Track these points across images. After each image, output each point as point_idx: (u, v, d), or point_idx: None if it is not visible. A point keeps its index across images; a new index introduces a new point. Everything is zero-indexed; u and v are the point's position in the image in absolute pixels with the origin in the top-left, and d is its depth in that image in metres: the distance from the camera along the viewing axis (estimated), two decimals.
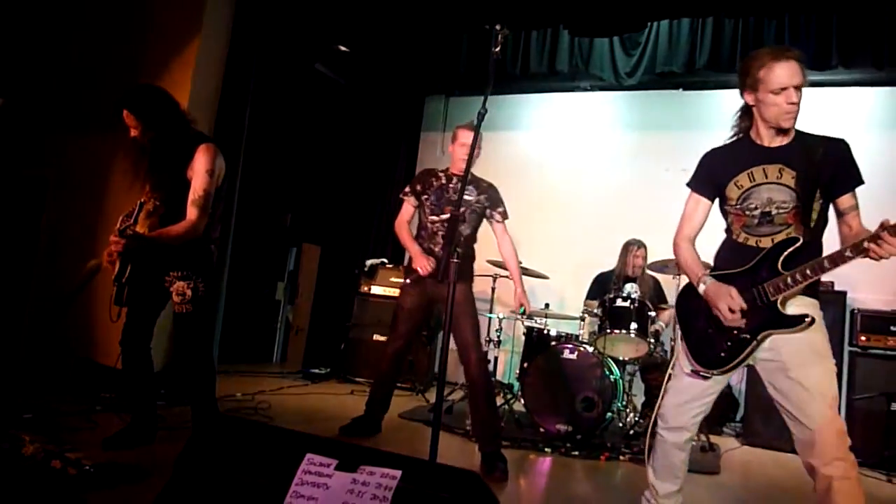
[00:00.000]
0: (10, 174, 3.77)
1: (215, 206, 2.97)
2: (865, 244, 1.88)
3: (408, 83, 6.34)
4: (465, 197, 3.50)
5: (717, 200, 2.33)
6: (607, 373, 4.12)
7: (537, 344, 4.52)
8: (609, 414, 4.12)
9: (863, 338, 4.53)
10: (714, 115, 5.27)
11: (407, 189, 3.75)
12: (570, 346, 4.23)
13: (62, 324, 4.24)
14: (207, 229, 2.95)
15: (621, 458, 3.84)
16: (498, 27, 2.31)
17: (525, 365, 4.41)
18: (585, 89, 6.07)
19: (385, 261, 5.92)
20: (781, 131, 2.17)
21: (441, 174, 3.66)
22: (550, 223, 6.21)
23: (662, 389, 2.37)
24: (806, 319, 2.03)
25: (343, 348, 5.79)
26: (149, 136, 2.84)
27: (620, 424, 4.35)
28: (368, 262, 5.86)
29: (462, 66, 5.78)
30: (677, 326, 2.37)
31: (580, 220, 6.16)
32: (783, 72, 2.07)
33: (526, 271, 4.81)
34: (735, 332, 2.13)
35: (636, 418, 4.41)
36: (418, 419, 4.36)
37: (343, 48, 6.15)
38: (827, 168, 2.10)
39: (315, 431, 3.65)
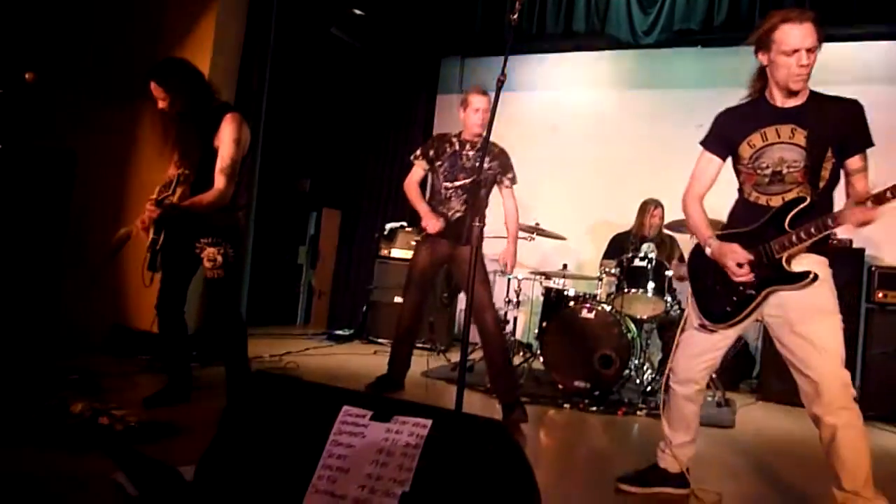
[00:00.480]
0: (39, 147, 3.88)
1: (241, 175, 3.08)
2: (884, 195, 1.94)
3: (423, 45, 6.34)
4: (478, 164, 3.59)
5: (729, 159, 2.38)
6: (625, 331, 4.21)
7: (556, 304, 4.61)
8: (626, 371, 4.22)
9: (880, 294, 4.56)
10: (733, 71, 5.18)
11: (418, 152, 3.81)
12: (587, 305, 4.32)
13: (95, 290, 4.40)
14: (234, 197, 3.06)
15: (638, 413, 3.95)
16: None
17: (544, 324, 4.51)
18: (601, 48, 6.00)
19: (405, 224, 6.00)
20: (793, 92, 2.20)
21: (454, 140, 3.71)
22: (567, 184, 6.25)
23: (674, 344, 2.45)
24: (809, 276, 2.09)
25: (365, 310, 5.93)
26: (176, 108, 2.91)
27: (638, 381, 4.46)
28: (388, 226, 5.95)
29: (478, 26, 5.76)
30: (688, 283, 2.44)
31: (597, 181, 6.18)
32: (795, 33, 2.09)
33: (543, 232, 4.89)
34: (741, 288, 2.21)
35: (653, 375, 4.52)
36: (441, 377, 4.50)
37: (358, 11, 6.16)
38: (839, 128, 2.14)
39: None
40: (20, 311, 3.65)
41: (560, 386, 4.25)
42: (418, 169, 3.80)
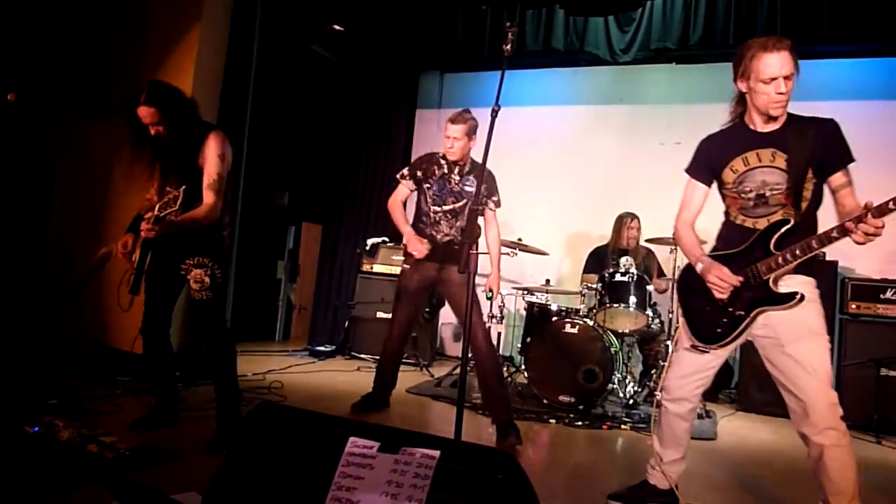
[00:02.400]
0: (19, 164, 3.83)
1: (225, 192, 3.05)
2: (847, 225, 1.98)
3: (402, 60, 6.36)
4: (466, 188, 3.66)
5: (715, 184, 2.44)
6: (607, 345, 4.26)
7: (539, 319, 4.65)
8: (610, 385, 4.27)
9: (853, 305, 4.68)
10: (708, 88, 5.34)
11: (405, 172, 3.81)
12: (570, 320, 4.37)
13: (74, 310, 4.33)
14: (220, 214, 3.03)
15: (622, 426, 3.99)
16: (508, 24, 2.36)
17: (528, 340, 4.55)
18: (580, 65, 6.10)
19: (386, 239, 6.01)
20: (772, 117, 2.27)
21: (442, 162, 3.70)
22: (547, 198, 6.31)
23: (666, 362, 2.50)
24: (796, 297, 2.15)
25: (347, 326, 5.91)
26: (170, 131, 2.89)
27: (621, 395, 4.51)
28: (370, 242, 5.95)
29: (458, 42, 5.82)
30: (678, 303, 2.49)
31: (576, 196, 6.26)
32: (773, 62, 2.16)
33: (526, 248, 4.93)
34: (731, 309, 2.26)
35: (635, 388, 4.58)
36: (425, 393, 4.51)
37: (338, 27, 6.17)
38: (817, 148, 2.20)
39: (328, 408, 3.79)
40: None
41: (545, 401, 4.29)
42: (404, 188, 3.80)
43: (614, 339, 4.43)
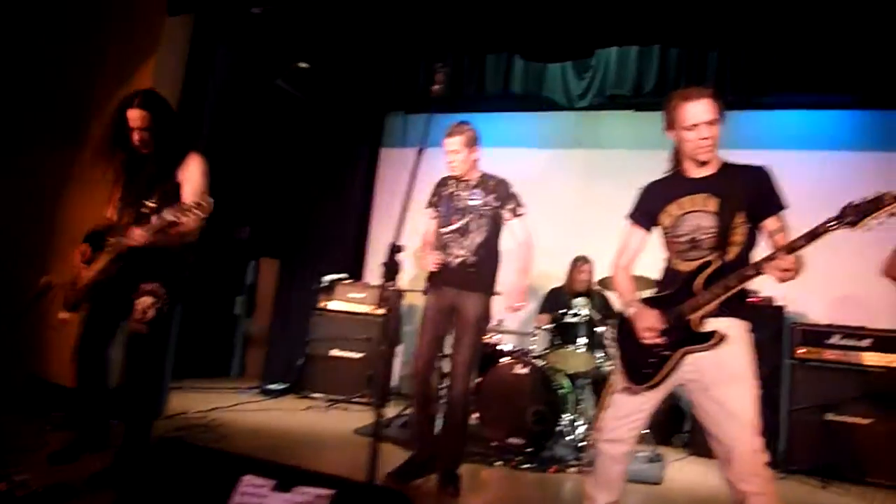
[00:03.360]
0: None
1: None
2: (759, 264, 2.07)
3: (367, 99, 6.42)
4: (471, 202, 3.47)
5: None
6: (557, 387, 4.24)
7: (490, 359, 4.62)
8: (558, 427, 4.24)
9: (800, 351, 4.73)
10: (662, 135, 5.44)
11: (427, 202, 3.63)
12: (521, 361, 4.35)
13: (10, 341, 4.19)
14: (188, 248, 2.97)
15: (569, 470, 3.95)
16: (439, 65, 2.42)
17: (478, 380, 4.51)
18: (538, 109, 6.21)
19: (344, 276, 5.97)
20: (703, 163, 2.35)
21: (451, 181, 3.54)
22: (504, 240, 6.33)
23: (602, 403, 2.49)
24: (714, 336, 2.18)
25: (301, 364, 5.81)
26: (151, 138, 2.88)
27: (570, 437, 4.47)
28: (326, 278, 5.90)
29: (420, 84, 5.87)
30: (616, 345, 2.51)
31: (536, 237, 6.29)
32: (693, 110, 2.26)
33: None
34: (657, 349, 2.28)
35: (587, 430, 4.55)
36: (371, 435, 4.39)
37: (303, 64, 6.22)
38: (747, 194, 2.28)
39: (266, 448, 3.69)
40: None
41: (493, 443, 4.23)
42: (432, 221, 3.61)
43: (565, 380, 4.42)
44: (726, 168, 2.38)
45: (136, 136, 2.87)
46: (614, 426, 2.40)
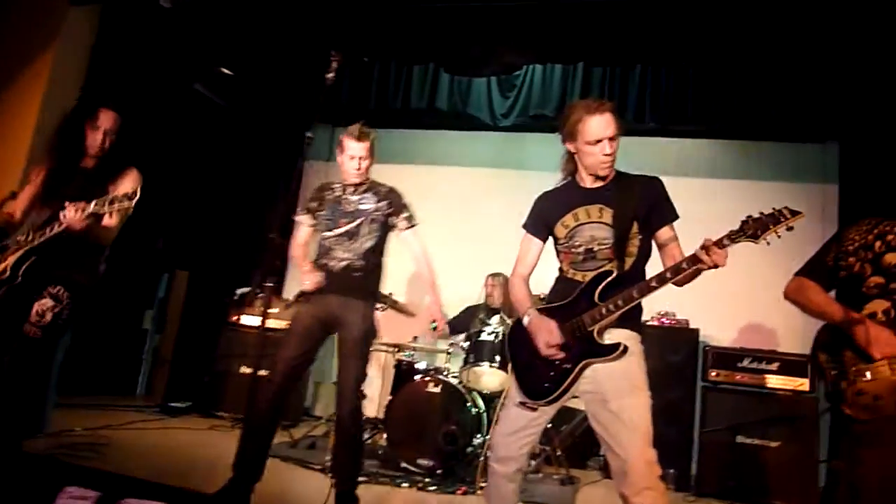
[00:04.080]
0: None
1: None
2: (680, 266, 2.03)
3: (291, 111, 6.25)
4: (362, 206, 3.26)
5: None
6: (470, 406, 4.13)
7: (404, 377, 4.48)
8: (470, 448, 4.11)
9: (713, 373, 4.78)
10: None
11: (300, 208, 3.40)
12: (434, 379, 4.22)
13: None
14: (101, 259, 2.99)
15: (479, 492, 3.82)
16: (333, 53, 2.29)
17: (389, 398, 4.35)
18: (463, 128, 6.18)
19: (258, 290, 5.72)
20: (600, 177, 2.32)
21: (336, 186, 3.35)
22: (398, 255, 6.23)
23: (494, 420, 2.38)
24: (619, 347, 2.11)
25: (207, 381, 5.51)
26: (108, 146, 3.04)
27: (482, 458, 4.35)
28: (239, 291, 5.65)
29: (344, 95, 5.74)
30: (508, 358, 2.41)
31: (455, 257, 6.22)
32: (597, 125, 2.23)
33: (395, 306, 4.78)
34: (557, 363, 2.19)
35: None
36: (276, 455, 4.16)
37: (227, 71, 6.02)
38: (642, 205, 2.26)
39: (156, 468, 3.42)
40: None
41: (403, 464, 4.07)
42: (304, 227, 3.36)
43: (479, 399, 4.31)
44: (620, 178, 2.36)
45: (97, 138, 3.00)
46: (506, 443, 2.30)
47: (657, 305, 5.21)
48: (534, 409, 2.24)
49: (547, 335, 2.20)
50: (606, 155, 2.24)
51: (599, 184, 2.33)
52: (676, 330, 5.01)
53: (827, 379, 2.23)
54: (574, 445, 4.95)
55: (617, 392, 2.13)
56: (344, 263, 3.18)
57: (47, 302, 2.74)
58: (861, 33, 4.45)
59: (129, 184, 2.95)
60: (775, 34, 4.69)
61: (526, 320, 2.29)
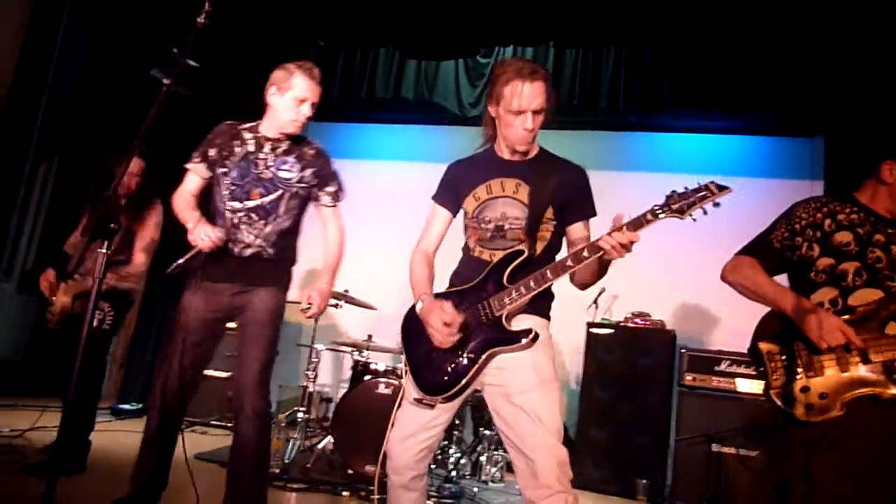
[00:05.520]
0: None
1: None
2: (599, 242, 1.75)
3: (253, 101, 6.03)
4: (283, 174, 2.58)
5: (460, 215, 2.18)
6: None
7: (358, 379, 4.21)
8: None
9: (689, 377, 4.49)
10: (556, 151, 5.27)
11: (195, 154, 2.67)
12: (384, 380, 3.95)
13: None
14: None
15: (428, 501, 3.54)
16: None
17: (340, 400, 4.09)
18: (430, 121, 5.91)
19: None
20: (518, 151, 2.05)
21: (248, 135, 2.61)
22: (387, 254, 5.95)
23: (390, 424, 2.11)
24: (530, 334, 1.85)
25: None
26: (136, 187, 3.44)
27: (445, 467, 4.07)
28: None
29: (336, 93, 5.46)
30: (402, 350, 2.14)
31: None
32: (524, 92, 1.93)
33: (352, 300, 4.53)
34: (460, 352, 1.93)
35: (459, 458, 4.16)
36: (217, 459, 3.89)
37: (192, 63, 5.79)
38: (560, 191, 2.01)
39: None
40: None
41: (349, 471, 3.79)
42: (194, 176, 2.69)
43: None
44: (543, 156, 2.11)
45: (127, 180, 3.36)
46: (402, 448, 2.01)
47: (630, 305, 4.93)
48: (431, 406, 1.96)
49: (439, 318, 1.90)
50: (527, 130, 1.96)
51: (520, 157, 2.07)
52: (651, 331, 4.73)
53: (768, 373, 1.95)
54: None
55: (523, 385, 1.86)
56: (251, 251, 2.56)
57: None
58: (852, 25, 4.21)
59: (149, 224, 3.43)
60: (763, 21, 4.44)
61: (419, 306, 2.01)
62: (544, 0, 4.33)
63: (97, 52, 4.66)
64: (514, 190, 2.02)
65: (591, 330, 4.79)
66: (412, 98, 5.21)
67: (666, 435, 4.54)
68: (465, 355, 1.92)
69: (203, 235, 2.40)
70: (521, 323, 1.92)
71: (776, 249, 2.07)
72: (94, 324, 3.15)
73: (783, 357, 1.92)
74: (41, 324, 4.61)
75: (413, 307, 2.08)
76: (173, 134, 6.26)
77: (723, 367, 4.45)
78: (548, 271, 1.84)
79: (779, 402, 1.90)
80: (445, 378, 1.93)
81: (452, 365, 1.93)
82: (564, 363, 5.42)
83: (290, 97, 2.52)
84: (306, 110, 2.55)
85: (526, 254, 1.92)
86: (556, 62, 4.87)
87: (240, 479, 2.50)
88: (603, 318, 4.92)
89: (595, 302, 4.98)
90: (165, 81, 1.96)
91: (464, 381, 1.91)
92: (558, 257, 2.01)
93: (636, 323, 4.76)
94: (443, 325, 1.90)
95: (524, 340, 1.85)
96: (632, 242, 1.72)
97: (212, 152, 2.62)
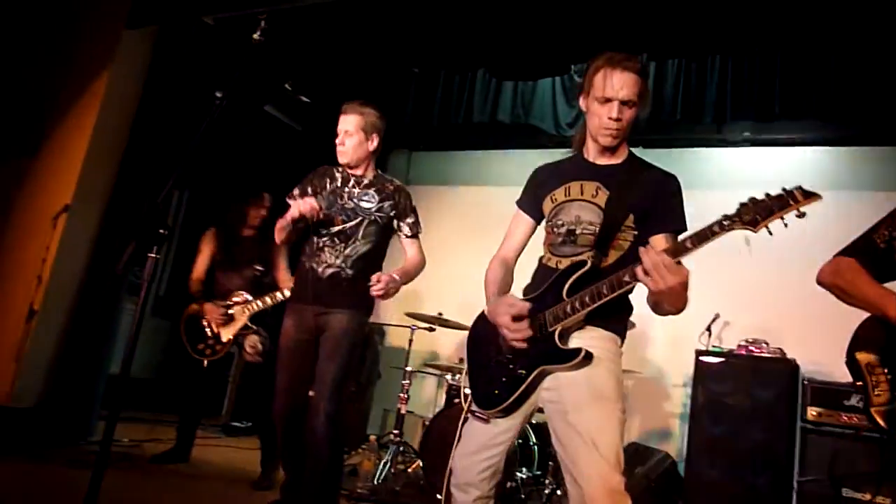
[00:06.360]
0: None
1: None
2: (637, 269, 1.60)
3: None
4: (363, 204, 2.90)
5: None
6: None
7: (449, 399, 4.18)
8: (511, 482, 3.71)
9: (813, 412, 4.07)
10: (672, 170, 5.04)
11: (295, 191, 3.01)
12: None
13: None
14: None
15: None
16: (260, 11, 2.10)
17: (430, 422, 4.06)
18: (526, 144, 5.85)
19: None
20: (607, 149, 1.93)
21: (338, 173, 2.97)
22: (481, 279, 5.90)
23: (456, 438, 2.04)
24: (580, 354, 1.71)
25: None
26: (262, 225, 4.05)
27: (523, 496, 3.91)
28: None
29: (435, 120, 5.57)
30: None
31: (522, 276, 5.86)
32: (614, 80, 1.83)
33: (446, 323, 4.50)
34: (511, 366, 1.83)
35: (553, 487, 3.98)
36: None
37: (304, 98, 6.12)
38: (645, 196, 1.86)
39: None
40: None
41: (438, 496, 3.73)
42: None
43: (529, 429, 3.91)
44: (633, 161, 1.97)
45: (261, 214, 4.08)
46: (466, 465, 1.93)
47: (745, 332, 4.56)
48: (485, 420, 1.87)
49: (507, 308, 1.81)
50: (612, 119, 1.84)
51: (607, 160, 1.96)
52: (768, 360, 4.33)
53: (868, 388, 1.70)
54: (650, 491, 4.35)
55: (578, 402, 1.72)
56: (332, 271, 2.83)
57: (255, 337, 3.85)
58: None
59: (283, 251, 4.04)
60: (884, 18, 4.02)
61: (488, 308, 1.93)
62: (639, 8, 4.14)
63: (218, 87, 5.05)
64: (594, 193, 1.90)
65: (701, 358, 4.47)
66: (509, 121, 5.19)
67: (787, 476, 4.11)
68: (516, 370, 1.83)
69: (301, 205, 2.72)
70: (580, 337, 1.80)
71: (880, 249, 1.83)
72: (259, 347, 3.88)
73: (885, 369, 1.67)
74: (171, 345, 5.07)
75: (482, 314, 2.01)
76: (282, 167, 6.66)
77: (853, 401, 3.98)
78: (604, 287, 1.70)
79: (881, 423, 1.64)
80: (497, 392, 1.85)
81: (505, 378, 1.84)
82: (670, 395, 5.11)
83: (338, 132, 2.94)
84: (339, 139, 2.91)
85: (589, 265, 1.79)
86: (656, 80, 4.67)
87: (310, 471, 2.78)
88: (713, 346, 4.58)
89: (708, 328, 4.66)
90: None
91: (514, 397, 1.81)
92: None
93: (751, 351, 4.39)
94: (511, 319, 1.80)
95: (574, 361, 1.72)
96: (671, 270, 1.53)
97: (308, 189, 3.00)
